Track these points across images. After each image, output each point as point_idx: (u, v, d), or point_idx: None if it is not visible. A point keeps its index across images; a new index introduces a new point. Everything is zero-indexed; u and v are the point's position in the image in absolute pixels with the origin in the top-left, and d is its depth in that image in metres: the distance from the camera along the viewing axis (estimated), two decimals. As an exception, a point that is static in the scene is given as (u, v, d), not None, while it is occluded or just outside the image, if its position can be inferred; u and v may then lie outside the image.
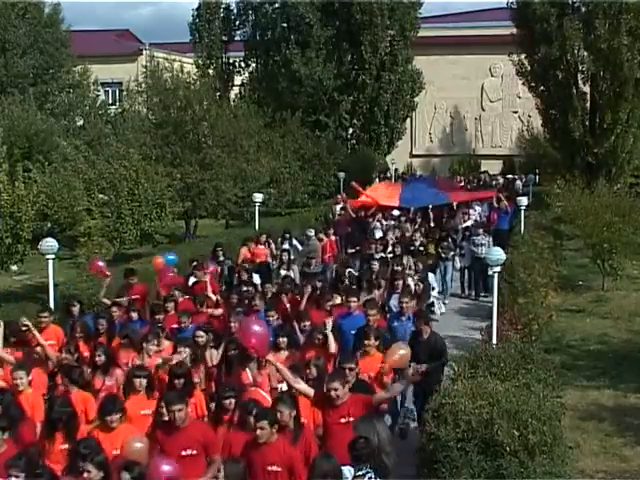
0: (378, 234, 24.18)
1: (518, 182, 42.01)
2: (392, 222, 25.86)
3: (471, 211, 27.24)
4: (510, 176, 46.68)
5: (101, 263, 16.29)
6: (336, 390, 8.65)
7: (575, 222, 23.76)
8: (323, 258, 21.97)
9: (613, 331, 18.11)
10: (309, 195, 37.30)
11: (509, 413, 8.43)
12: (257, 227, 24.89)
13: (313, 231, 23.05)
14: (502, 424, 8.27)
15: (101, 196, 23.84)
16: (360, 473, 7.21)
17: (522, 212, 25.09)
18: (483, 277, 21.71)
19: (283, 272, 18.88)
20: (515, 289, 15.90)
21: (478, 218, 27.08)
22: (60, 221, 22.84)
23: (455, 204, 26.69)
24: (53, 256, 15.76)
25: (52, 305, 15.43)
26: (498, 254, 13.23)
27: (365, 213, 27.31)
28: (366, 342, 10.85)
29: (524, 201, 25.53)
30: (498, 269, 13.25)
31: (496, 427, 8.26)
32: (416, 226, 25.04)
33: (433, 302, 17.81)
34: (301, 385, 9.19)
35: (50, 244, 15.63)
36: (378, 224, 25.55)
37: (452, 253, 21.74)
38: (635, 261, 23.36)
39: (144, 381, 9.67)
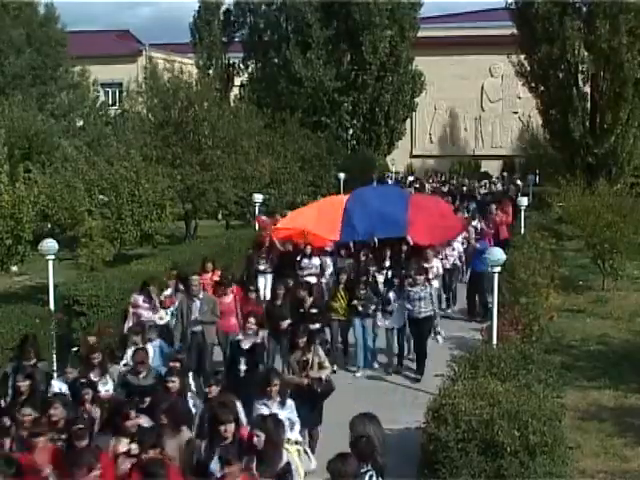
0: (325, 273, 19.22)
1: (512, 186, 38.31)
2: (327, 259, 19.76)
3: (448, 251, 20.68)
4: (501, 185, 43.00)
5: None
6: None
7: (575, 222, 23.77)
8: (224, 324, 15.06)
9: (613, 331, 18.10)
10: (309, 196, 37.29)
11: (509, 413, 8.43)
12: (257, 228, 24.84)
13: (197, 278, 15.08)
14: (502, 424, 8.27)
15: (101, 197, 23.81)
16: (361, 471, 7.19)
17: (522, 212, 25.12)
18: (421, 346, 15.58)
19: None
20: (516, 289, 15.88)
21: (458, 261, 21.25)
22: (61, 222, 22.78)
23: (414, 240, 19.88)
24: (53, 257, 15.75)
25: (52, 306, 15.45)
26: (498, 254, 13.23)
27: (296, 246, 20.59)
28: None
29: (524, 201, 25.55)
30: (498, 269, 13.25)
31: (496, 427, 8.26)
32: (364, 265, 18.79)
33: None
34: None
35: (50, 245, 15.62)
36: (329, 260, 19.68)
37: (373, 307, 15.88)
38: (636, 261, 23.36)
39: None
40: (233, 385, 10.90)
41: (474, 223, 23.43)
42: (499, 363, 10.49)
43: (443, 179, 47.37)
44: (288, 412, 9.63)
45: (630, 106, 31.75)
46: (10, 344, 13.21)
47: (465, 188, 39.28)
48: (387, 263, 18.93)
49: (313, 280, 18.15)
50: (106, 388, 10.97)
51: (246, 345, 12.10)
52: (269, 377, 9.82)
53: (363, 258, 19.06)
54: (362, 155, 45.25)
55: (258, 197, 26.02)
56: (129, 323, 15.06)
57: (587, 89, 33.14)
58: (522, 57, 34.19)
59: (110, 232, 22.85)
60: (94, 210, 23.04)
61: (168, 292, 15.68)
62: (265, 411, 9.29)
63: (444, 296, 20.57)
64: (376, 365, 16.05)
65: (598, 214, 22.24)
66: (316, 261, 19.37)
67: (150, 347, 12.59)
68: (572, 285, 22.56)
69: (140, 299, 15.28)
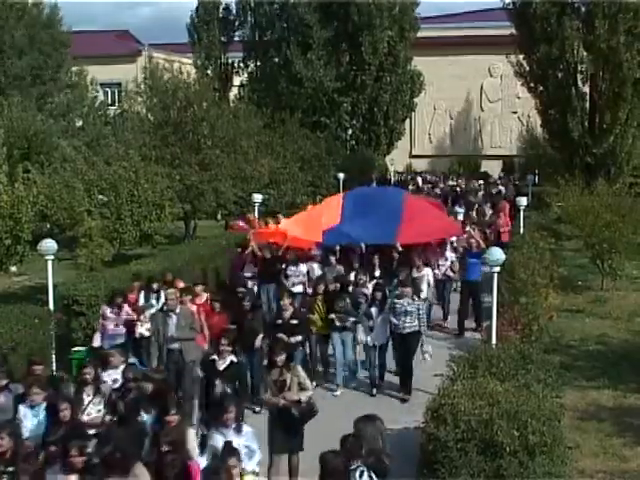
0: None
1: (502, 189, 37.55)
2: (315, 266, 18.42)
3: (440, 260, 19.52)
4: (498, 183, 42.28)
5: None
6: None
7: (574, 222, 23.78)
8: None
9: (612, 331, 18.11)
10: (308, 196, 37.29)
11: (509, 413, 8.43)
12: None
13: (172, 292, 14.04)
14: (502, 424, 8.27)
15: (101, 197, 23.81)
16: (352, 467, 7.21)
17: (522, 212, 25.14)
18: (407, 364, 14.46)
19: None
20: (515, 289, 15.89)
21: (450, 272, 19.57)
22: (60, 222, 22.79)
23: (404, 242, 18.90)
24: (52, 257, 15.78)
25: (51, 306, 15.45)
26: (498, 254, 13.23)
27: (283, 252, 19.05)
28: None
29: (523, 201, 25.55)
30: (497, 269, 13.26)
31: (496, 427, 8.26)
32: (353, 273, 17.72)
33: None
34: None
35: (49, 245, 15.64)
36: (316, 266, 18.34)
37: (352, 319, 14.77)
38: (634, 261, 23.37)
39: None
40: (209, 408, 10.40)
41: (467, 229, 22.45)
42: (498, 363, 10.49)
43: (435, 179, 47.09)
44: (245, 440, 8.97)
45: (629, 106, 31.77)
46: (9, 344, 13.21)
47: (458, 189, 38.93)
48: (377, 273, 18.03)
49: (299, 289, 17.56)
50: (98, 408, 10.05)
51: (222, 366, 11.10)
52: (224, 404, 9.18)
53: (356, 265, 18.13)
54: (361, 155, 45.28)
55: (257, 197, 26.01)
56: (97, 339, 14.45)
57: (586, 89, 33.16)
58: (521, 57, 34.21)
59: (109, 232, 22.85)
60: (93, 210, 23.04)
61: (139, 304, 15.03)
62: (220, 439, 8.78)
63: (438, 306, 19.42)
64: (355, 384, 14.99)
65: (597, 214, 22.25)
66: (303, 268, 18.21)
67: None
68: (571, 285, 22.56)
69: (108, 310, 14.55)
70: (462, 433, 8.36)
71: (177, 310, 13.46)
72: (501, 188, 37.92)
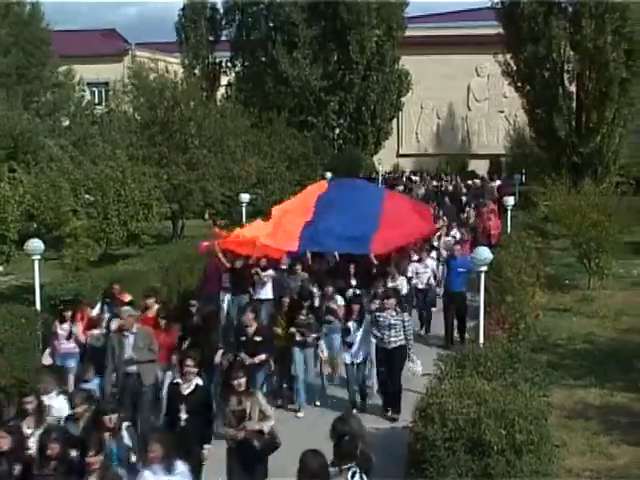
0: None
1: (492, 184, 37.98)
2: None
3: (420, 269, 18.50)
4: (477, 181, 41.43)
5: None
6: None
7: (561, 221, 23.83)
8: None
9: (599, 330, 18.16)
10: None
11: (496, 412, 8.44)
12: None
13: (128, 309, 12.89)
14: (489, 423, 8.29)
15: (87, 197, 23.77)
16: (344, 467, 7.18)
17: (509, 212, 25.20)
18: (394, 381, 13.34)
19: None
20: (502, 288, 15.92)
21: (433, 280, 18.69)
22: (46, 222, 22.70)
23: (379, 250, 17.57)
24: (39, 257, 15.71)
25: (38, 306, 15.39)
26: (485, 253, 13.26)
27: (249, 261, 17.74)
28: None
29: (510, 201, 25.61)
30: (485, 268, 13.28)
31: (483, 426, 8.27)
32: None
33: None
34: None
35: (36, 245, 15.58)
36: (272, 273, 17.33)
37: (315, 335, 13.85)
38: (621, 260, 23.45)
39: None
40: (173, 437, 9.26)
41: (452, 232, 22.43)
42: (486, 362, 10.50)
43: (421, 178, 46.91)
44: (178, 478, 8.16)
45: (616, 105, 31.88)
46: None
47: (443, 189, 38.59)
48: (354, 282, 16.92)
49: (268, 295, 16.70)
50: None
51: (186, 390, 9.99)
52: (148, 442, 8.27)
53: (323, 275, 16.99)
54: (349, 154, 45.24)
55: (245, 197, 26.00)
56: (47, 357, 13.75)
57: (573, 88, 33.22)
58: (508, 56, 34.24)
59: (96, 232, 22.80)
60: (80, 210, 22.99)
61: (94, 312, 14.34)
62: (149, 478, 8.07)
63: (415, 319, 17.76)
64: (319, 402, 13.97)
65: (584, 213, 22.31)
66: (270, 273, 17.31)
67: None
68: (558, 284, 22.62)
69: (58, 327, 13.77)
70: (450, 432, 8.37)
71: (134, 330, 12.20)
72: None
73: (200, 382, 10.14)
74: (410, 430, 9.14)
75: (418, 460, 8.55)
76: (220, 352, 12.90)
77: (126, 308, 12.63)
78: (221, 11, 51.92)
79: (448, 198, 32.54)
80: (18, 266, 23.25)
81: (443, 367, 10.73)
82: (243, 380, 9.54)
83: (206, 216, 33.16)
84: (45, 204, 22.48)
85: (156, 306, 13.74)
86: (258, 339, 12.78)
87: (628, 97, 32.09)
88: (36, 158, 29.96)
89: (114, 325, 12.90)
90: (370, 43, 44.76)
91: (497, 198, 30.91)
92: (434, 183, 43.86)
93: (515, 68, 34.18)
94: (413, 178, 47.15)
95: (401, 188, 39.17)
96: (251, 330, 12.82)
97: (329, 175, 37.51)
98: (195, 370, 10.09)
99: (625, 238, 22.91)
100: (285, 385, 14.28)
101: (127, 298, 14.36)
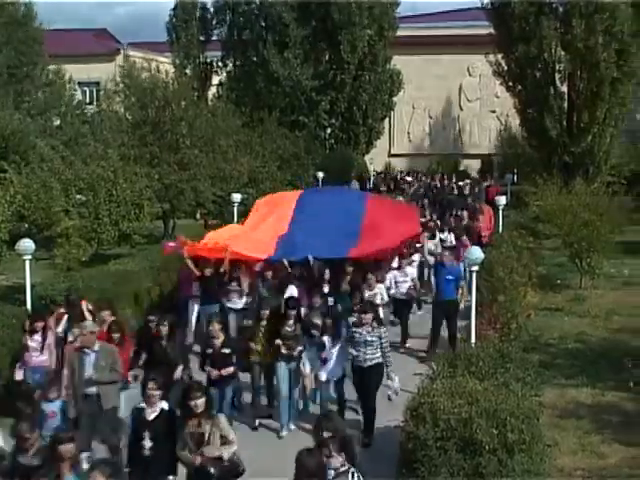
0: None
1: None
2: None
3: (398, 275, 17.33)
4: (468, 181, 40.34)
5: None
6: None
7: (553, 221, 23.85)
8: None
9: (591, 329, 18.18)
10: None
11: (488, 412, 8.46)
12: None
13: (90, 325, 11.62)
14: (481, 423, 8.30)
15: (79, 196, 23.71)
16: (343, 469, 7.17)
17: (501, 211, 25.22)
18: (368, 402, 12.18)
19: None
20: (494, 288, 15.93)
21: (413, 291, 17.57)
22: (37, 222, 22.64)
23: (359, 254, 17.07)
24: (30, 257, 15.67)
25: (29, 306, 15.35)
26: (477, 253, 13.28)
27: (220, 268, 16.74)
28: None
29: (502, 200, 25.63)
30: (476, 268, 13.29)
31: (475, 426, 8.28)
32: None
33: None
34: None
35: (27, 245, 15.55)
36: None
37: (300, 349, 12.76)
38: (612, 260, 23.49)
39: None
40: (137, 467, 8.94)
41: (443, 236, 21.79)
42: (477, 362, 10.52)
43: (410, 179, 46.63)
44: None
45: (607, 105, 31.95)
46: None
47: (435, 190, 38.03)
48: (325, 289, 15.72)
49: (241, 304, 15.74)
50: None
51: (151, 415, 9.13)
52: (90, 474, 7.53)
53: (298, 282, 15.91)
54: (340, 154, 45.24)
55: (236, 196, 25.98)
56: (18, 372, 12.82)
57: (564, 88, 33.28)
58: (499, 56, 34.28)
59: (87, 232, 22.75)
60: (71, 210, 22.93)
61: (60, 329, 13.38)
62: None
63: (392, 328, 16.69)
64: (304, 422, 12.58)
65: (575, 213, 22.32)
66: (245, 281, 16.55)
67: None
68: (550, 283, 22.64)
69: (29, 339, 12.87)
70: (441, 432, 8.38)
71: (95, 347, 11.02)
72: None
73: (165, 406, 9.25)
74: (402, 429, 9.15)
75: (410, 459, 8.56)
76: (180, 368, 11.84)
77: (87, 323, 11.51)
78: (212, 11, 51.92)
79: (432, 198, 32.48)
80: (9, 266, 23.15)
81: (435, 367, 10.75)
82: (201, 401, 8.75)
83: (197, 216, 33.13)
84: (36, 204, 22.41)
85: (110, 319, 12.73)
86: (226, 351, 11.93)
87: (619, 97, 32.17)
88: (27, 158, 29.83)
89: (72, 340, 12.07)
90: (361, 43, 44.76)
91: (488, 199, 30.90)
92: (426, 181, 43.67)
93: (506, 68, 34.22)
94: (408, 179, 46.87)
95: (384, 188, 39.04)
96: (218, 342, 11.96)
97: (321, 175, 37.55)
98: (158, 393, 9.20)
99: (616, 238, 22.92)
100: (266, 404, 13.36)
101: (87, 309, 13.58)
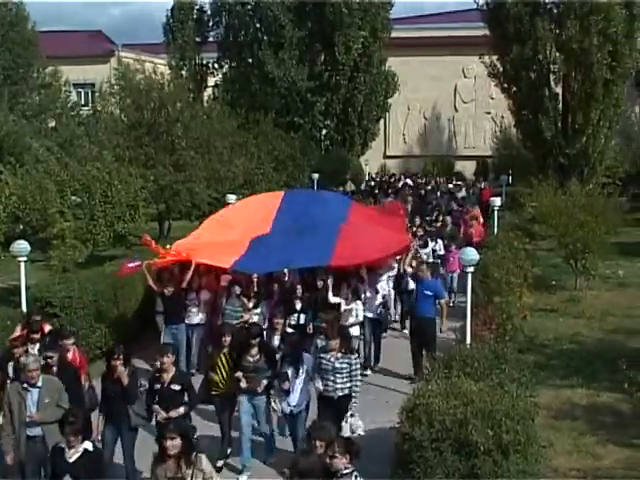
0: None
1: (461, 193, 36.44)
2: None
3: (369, 293, 15.69)
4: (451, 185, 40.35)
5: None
6: None
7: (548, 222, 23.88)
8: None
9: (586, 330, 18.21)
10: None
11: (483, 413, 8.45)
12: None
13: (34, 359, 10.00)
14: (476, 424, 8.29)
15: (74, 198, 23.70)
16: (347, 472, 7.17)
17: (496, 213, 25.24)
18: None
19: None
20: (489, 289, 15.94)
21: (391, 305, 17.36)
22: (32, 223, 22.62)
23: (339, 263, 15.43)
24: (25, 258, 15.65)
25: (24, 308, 15.32)
26: (472, 254, 13.28)
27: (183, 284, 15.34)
28: None
29: (497, 202, 25.64)
30: (472, 269, 13.30)
31: (470, 427, 8.27)
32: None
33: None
34: None
35: (22, 246, 15.52)
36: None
37: (265, 383, 11.09)
38: (607, 261, 23.52)
39: None
40: None
41: (435, 246, 21.21)
42: (473, 363, 10.50)
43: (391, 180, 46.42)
44: None
45: (601, 106, 32.02)
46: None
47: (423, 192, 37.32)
48: (298, 306, 14.43)
49: (199, 319, 14.96)
50: None
51: (72, 457, 8.00)
52: None
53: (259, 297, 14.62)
54: (336, 155, 45.30)
55: (231, 198, 25.91)
56: None
57: (559, 90, 33.35)
58: (494, 58, 34.34)
59: (83, 233, 22.74)
60: (66, 211, 22.92)
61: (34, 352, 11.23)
62: None
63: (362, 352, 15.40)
64: (272, 460, 11.30)
65: (570, 214, 22.35)
66: (204, 296, 15.65)
67: None
68: (545, 284, 22.68)
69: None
70: (437, 433, 8.37)
71: (39, 383, 9.61)
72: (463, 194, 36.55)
73: (90, 447, 8.11)
74: (397, 431, 9.13)
75: (405, 460, 8.54)
76: (139, 410, 10.29)
77: (31, 358, 9.88)
78: (208, 12, 51.89)
79: (416, 199, 32.21)
80: (4, 268, 23.12)
81: (430, 368, 10.74)
82: (176, 442, 7.55)
83: (192, 217, 33.11)
84: (31, 205, 22.39)
85: (72, 348, 11.54)
86: (176, 388, 10.15)
87: (613, 98, 32.25)
88: (22, 160, 29.82)
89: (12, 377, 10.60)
90: (356, 44, 44.79)
91: (482, 202, 30.91)
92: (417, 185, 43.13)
93: (501, 69, 34.29)
94: (408, 182, 46.44)
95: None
96: (167, 377, 10.18)
97: (316, 176, 37.52)
98: (75, 432, 8.00)
99: (611, 239, 22.96)
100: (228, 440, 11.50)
101: (46, 329, 12.38)
